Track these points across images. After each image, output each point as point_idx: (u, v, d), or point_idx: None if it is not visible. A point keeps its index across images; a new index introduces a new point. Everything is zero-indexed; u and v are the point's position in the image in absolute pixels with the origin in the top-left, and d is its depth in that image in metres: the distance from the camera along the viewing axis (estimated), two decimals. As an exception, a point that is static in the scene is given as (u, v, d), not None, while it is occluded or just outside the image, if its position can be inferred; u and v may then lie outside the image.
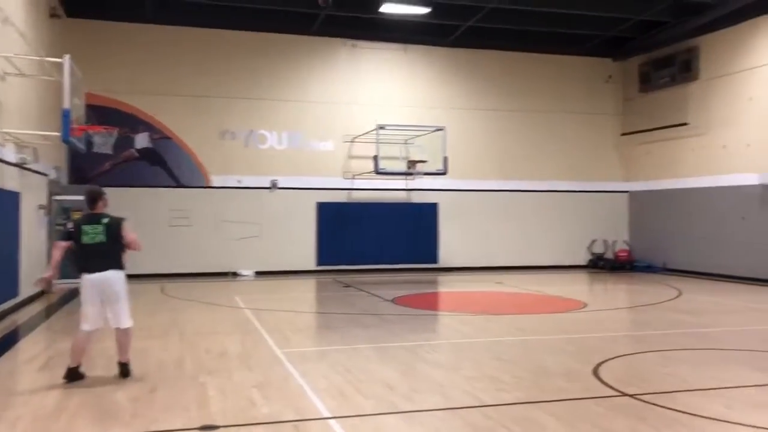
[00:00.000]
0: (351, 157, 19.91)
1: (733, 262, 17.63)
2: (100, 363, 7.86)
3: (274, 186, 19.26)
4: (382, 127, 18.08)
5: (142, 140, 18.46)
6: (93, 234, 6.93)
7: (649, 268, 20.34)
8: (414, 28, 19.62)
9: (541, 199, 21.31)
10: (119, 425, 5.48)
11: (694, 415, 5.72)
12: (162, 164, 18.61)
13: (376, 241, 19.84)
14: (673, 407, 5.93)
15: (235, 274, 18.66)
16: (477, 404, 6.10)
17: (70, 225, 7.19)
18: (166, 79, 18.59)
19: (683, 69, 19.40)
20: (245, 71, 19.20)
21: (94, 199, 7.14)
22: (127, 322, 7.10)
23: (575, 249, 21.53)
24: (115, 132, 16.23)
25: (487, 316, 11.68)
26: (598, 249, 21.60)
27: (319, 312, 13.22)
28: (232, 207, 18.97)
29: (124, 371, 7.06)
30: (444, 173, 18.33)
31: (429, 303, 14.35)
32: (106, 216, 7.10)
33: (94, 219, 7.03)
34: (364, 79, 20.11)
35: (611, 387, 6.66)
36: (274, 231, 19.20)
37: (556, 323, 10.90)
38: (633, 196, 21.92)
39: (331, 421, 5.60)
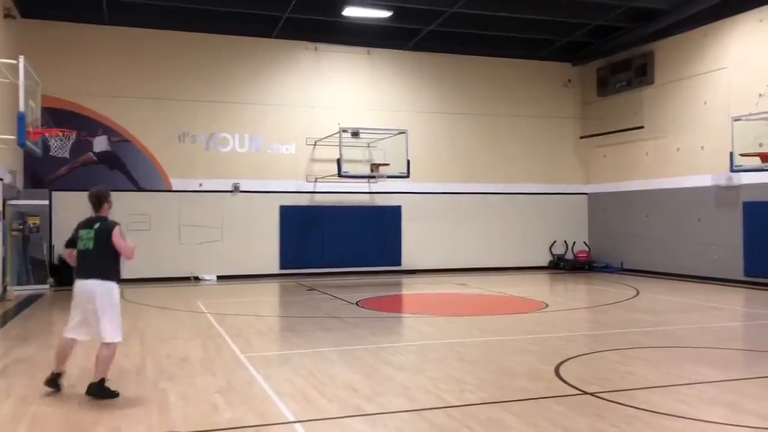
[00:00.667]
0: (314, 160, 19.86)
1: (690, 262, 18.07)
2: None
3: (236, 189, 19.10)
4: (345, 131, 18.07)
5: (100, 143, 18.13)
6: (86, 239, 6.57)
7: (608, 269, 20.73)
8: (376, 32, 19.67)
9: (502, 202, 21.55)
10: (78, 433, 5.37)
11: (653, 411, 5.85)
12: (121, 167, 18.30)
13: (340, 244, 19.81)
14: (632, 405, 6.06)
15: (196, 279, 18.44)
16: (441, 405, 6.14)
17: (74, 230, 6.82)
18: (125, 82, 18.30)
19: (639, 73, 19.84)
20: (206, 73, 19.01)
21: (98, 201, 6.76)
22: (109, 336, 6.45)
23: (537, 250, 21.82)
24: (73, 135, 15.98)
25: (450, 317, 11.76)
26: (559, 250, 21.93)
27: (282, 316, 13.15)
28: (194, 211, 18.74)
29: (91, 391, 6.35)
30: (407, 176, 18.40)
31: (393, 305, 14.39)
32: (99, 220, 6.69)
33: (89, 223, 6.67)
34: (327, 82, 20.08)
35: (573, 386, 6.77)
36: (236, 235, 19.04)
37: (518, 324, 11.03)
38: (592, 197, 22.32)
39: (296, 425, 5.58)
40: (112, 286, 6.55)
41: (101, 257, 6.52)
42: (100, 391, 6.30)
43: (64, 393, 6.64)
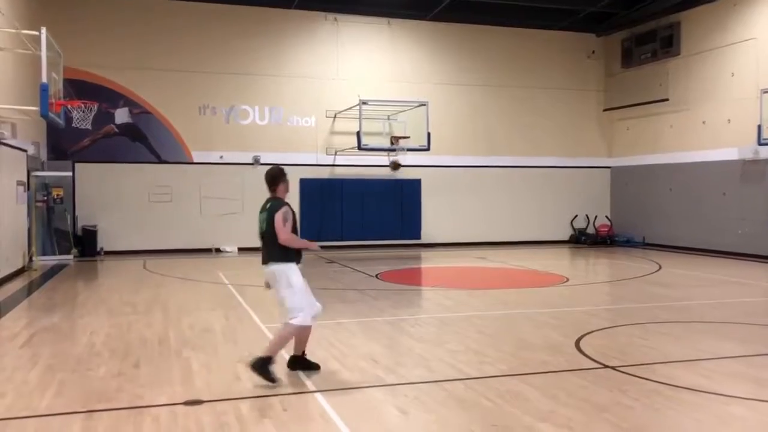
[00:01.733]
0: (333, 132, 19.81)
1: (714, 236, 17.86)
2: (82, 340, 7.83)
3: (256, 162, 19.14)
4: (365, 103, 17.96)
5: (122, 115, 18.23)
6: (261, 222, 6.23)
7: (630, 243, 20.56)
8: (397, 2, 19.45)
9: (523, 175, 21.39)
10: (103, 401, 5.47)
11: (674, 386, 5.83)
12: (142, 139, 18.40)
13: (359, 217, 19.83)
14: (653, 378, 6.03)
15: (218, 250, 18.60)
16: (460, 377, 6.16)
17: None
18: (146, 54, 18.31)
19: (665, 44, 19.44)
20: (225, 45, 18.96)
21: (272, 180, 6.28)
22: (287, 317, 6.06)
23: (558, 224, 21.69)
24: (95, 106, 16.05)
25: (470, 290, 11.76)
26: (580, 224, 21.77)
27: (302, 288, 13.21)
28: (214, 183, 18.84)
29: (253, 364, 5.89)
30: (427, 149, 18.30)
31: (412, 278, 14.41)
32: (270, 201, 6.24)
33: (264, 206, 6.26)
34: (347, 53, 19.94)
35: (593, 359, 6.76)
36: (256, 207, 18.81)
37: (538, 297, 11.00)
38: (615, 171, 22.07)
39: (317, 395, 5.63)
40: (289, 267, 6.10)
41: (274, 240, 6.08)
42: (260, 369, 5.85)
43: (88, 362, 6.76)
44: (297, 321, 6.05)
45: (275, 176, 6.31)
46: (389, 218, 20.04)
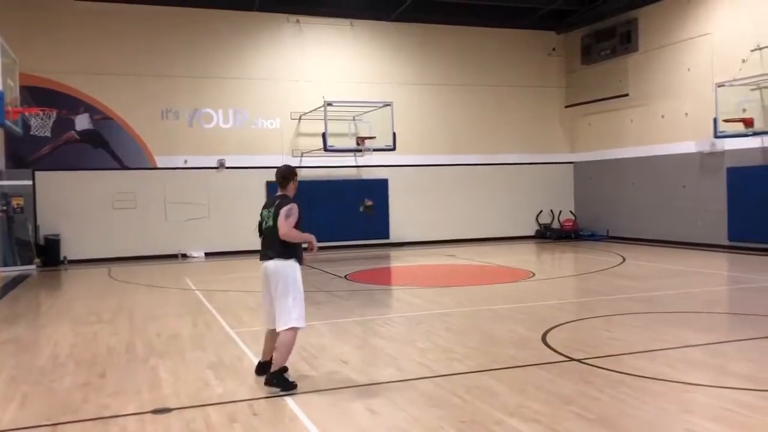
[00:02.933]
0: (299, 134, 19.76)
1: (675, 228, 18.23)
2: (46, 351, 7.70)
3: (221, 165, 18.99)
4: (329, 104, 17.94)
5: (82, 121, 17.92)
6: (266, 217, 6.10)
7: (594, 237, 20.88)
8: (359, 3, 19.46)
9: (489, 172, 21.57)
10: (69, 413, 5.39)
11: (639, 376, 5.95)
12: (104, 146, 18.11)
13: (327, 218, 19.74)
14: (618, 370, 6.15)
15: (184, 256, 18.41)
16: (430, 375, 6.20)
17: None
18: (105, 58, 18.03)
19: (623, 41, 19.78)
20: (187, 48, 18.77)
21: (283, 179, 6.22)
22: (286, 321, 5.86)
23: (523, 220, 21.92)
24: (54, 113, 15.77)
25: (439, 288, 11.83)
26: (545, 219, 22.04)
27: (271, 291, 13.15)
28: (179, 188, 18.64)
29: (269, 380, 5.83)
30: (393, 149, 18.34)
31: (381, 278, 14.44)
32: (279, 198, 6.14)
33: (272, 202, 6.15)
34: (310, 55, 19.89)
35: (559, 353, 6.86)
36: (223, 211, 18.98)
37: (505, 293, 11.12)
38: (578, 166, 22.38)
39: (287, 398, 5.62)
40: (292, 265, 5.96)
41: (278, 235, 5.92)
42: (279, 382, 5.76)
43: (52, 373, 6.65)
44: (301, 324, 5.91)
45: (286, 175, 6.25)
46: (357, 218, 20.03)
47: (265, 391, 5.83)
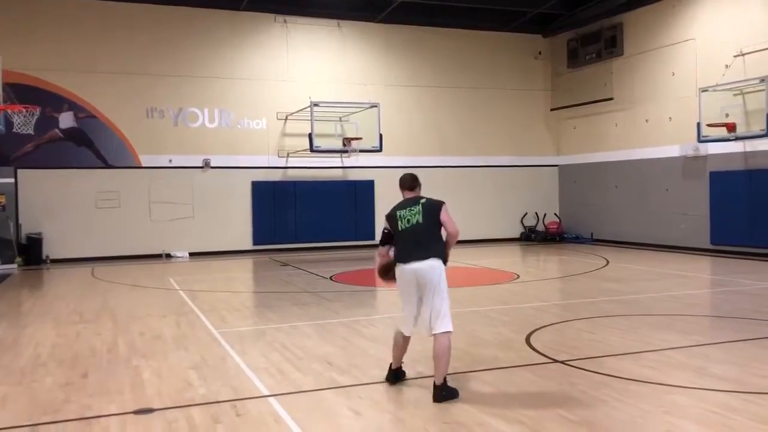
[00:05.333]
0: (285, 134, 19.71)
1: (658, 231, 18.37)
2: (27, 351, 7.63)
3: (206, 165, 18.91)
4: (316, 104, 17.91)
5: (66, 119, 17.76)
6: (411, 215, 5.73)
7: (578, 239, 21.00)
8: (347, 4, 19.46)
9: (474, 174, 21.63)
10: (50, 413, 5.34)
11: (621, 378, 5.99)
12: (89, 144, 17.97)
13: (313, 219, 19.77)
14: (601, 371, 6.19)
15: (168, 256, 18.30)
16: (415, 376, 6.20)
17: (388, 220, 5.90)
18: (91, 56, 17.90)
19: (609, 45, 19.93)
20: (173, 47, 18.67)
21: (415, 182, 6.13)
22: (445, 325, 5.56)
23: (508, 222, 22.00)
24: (37, 111, 15.63)
25: (424, 290, 11.82)
26: (530, 222, 22.14)
27: (256, 291, 13.13)
28: (164, 187, 18.52)
29: (439, 395, 5.40)
30: (379, 150, 18.35)
31: (366, 279, 14.40)
32: (419, 198, 5.94)
33: (411, 202, 5.88)
34: (297, 55, 19.85)
35: (543, 354, 6.89)
36: (208, 211, 18.89)
37: (490, 295, 11.15)
38: (563, 169, 22.51)
39: (270, 399, 5.60)
40: (444, 268, 5.66)
41: (431, 234, 5.64)
42: (449, 393, 5.42)
43: (32, 373, 6.58)
44: (451, 327, 5.57)
45: (417, 178, 6.13)
46: (343, 220, 20.03)
47: (249, 391, 5.81)
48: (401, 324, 5.83)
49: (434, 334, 5.53)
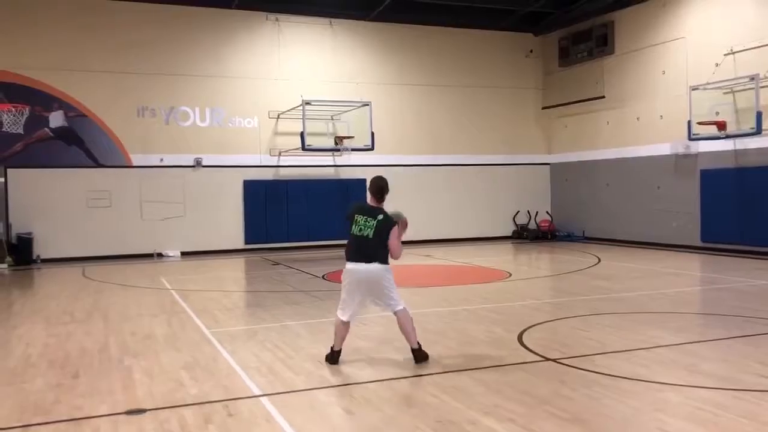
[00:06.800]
0: (277, 133, 19.67)
1: (649, 229, 18.45)
2: (17, 351, 7.59)
3: (198, 164, 18.85)
4: (308, 103, 17.88)
5: (56, 118, 17.67)
6: (365, 227, 6.56)
7: (570, 237, 21.06)
8: (338, 2, 19.43)
9: (466, 173, 21.66)
10: (40, 414, 5.31)
11: (612, 375, 6.01)
12: (79, 143, 17.88)
13: (305, 218, 19.74)
14: (592, 369, 6.20)
15: (159, 255, 18.24)
16: (406, 375, 6.21)
17: (350, 210, 6.73)
18: (81, 55, 17.80)
19: (600, 43, 19.98)
20: (164, 46, 18.60)
21: (381, 192, 6.72)
22: (400, 304, 6.65)
23: (500, 220, 22.04)
24: (26, 110, 15.56)
25: (416, 288, 11.85)
26: (522, 220, 22.18)
27: (247, 291, 13.10)
28: (155, 187, 18.46)
29: (420, 357, 6.61)
30: (371, 149, 18.34)
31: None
32: (382, 212, 6.63)
33: (372, 212, 6.62)
34: (289, 54, 19.82)
35: (535, 353, 6.90)
36: (199, 210, 18.84)
37: (482, 293, 11.16)
38: (554, 167, 22.56)
39: (262, 399, 5.59)
40: (390, 269, 6.65)
41: (379, 247, 6.52)
42: (423, 357, 6.59)
43: (23, 373, 6.55)
44: (403, 304, 6.62)
45: (384, 189, 6.71)
46: (335, 218, 19.91)
47: (241, 391, 5.80)
48: (340, 312, 6.66)
49: (395, 313, 6.61)
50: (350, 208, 6.72)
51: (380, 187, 6.67)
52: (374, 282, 6.53)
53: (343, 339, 6.69)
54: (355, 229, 6.56)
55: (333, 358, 6.64)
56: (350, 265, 6.57)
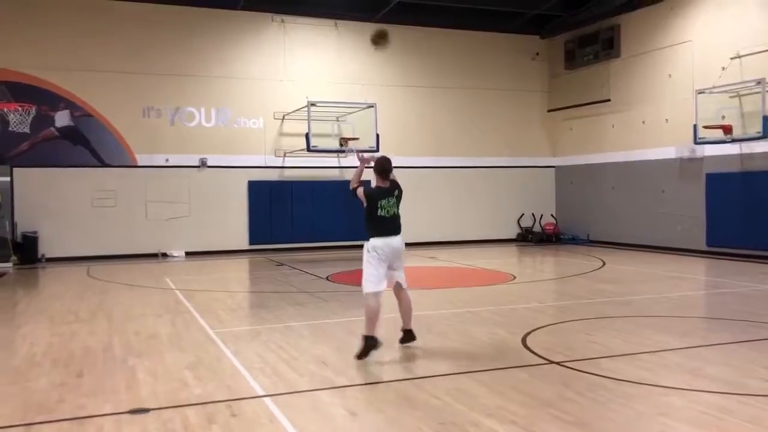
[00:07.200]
0: (282, 134, 19.70)
1: (654, 233, 18.40)
2: (22, 350, 7.61)
3: (203, 164, 18.89)
4: (313, 104, 17.90)
5: (62, 118, 17.72)
6: (392, 205, 7.22)
7: (574, 240, 21.02)
8: (344, 4, 19.45)
9: (471, 175, 21.65)
10: (44, 413, 5.32)
11: (616, 379, 5.99)
12: (85, 143, 17.93)
13: (309, 219, 19.76)
14: (597, 373, 6.19)
15: (164, 255, 18.27)
16: (410, 376, 6.21)
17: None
18: (87, 55, 17.86)
19: (606, 46, 19.95)
20: (170, 46, 18.64)
21: (390, 168, 7.34)
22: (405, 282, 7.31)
23: (505, 223, 22.02)
24: (33, 109, 15.62)
25: (420, 290, 11.82)
26: (527, 223, 22.15)
27: (252, 291, 13.11)
28: (160, 187, 18.50)
29: (409, 338, 7.23)
30: (376, 150, 18.31)
31: (362, 279, 14.39)
32: (397, 186, 7.38)
33: (391, 191, 7.27)
34: (294, 55, 19.84)
35: (539, 355, 6.89)
36: (204, 210, 18.86)
37: (486, 296, 11.15)
38: (559, 170, 22.53)
39: (266, 399, 5.60)
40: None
41: (400, 218, 7.27)
42: (413, 337, 7.28)
43: (27, 372, 6.57)
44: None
45: (389, 169, 7.32)
46: (339, 219, 19.99)
47: (245, 391, 5.80)
48: (373, 285, 6.95)
49: (403, 290, 7.27)
50: (371, 197, 7.17)
51: (384, 168, 7.26)
52: (400, 250, 7.16)
53: (377, 322, 6.93)
54: (382, 212, 7.09)
55: (375, 343, 6.80)
56: (385, 239, 7.02)
